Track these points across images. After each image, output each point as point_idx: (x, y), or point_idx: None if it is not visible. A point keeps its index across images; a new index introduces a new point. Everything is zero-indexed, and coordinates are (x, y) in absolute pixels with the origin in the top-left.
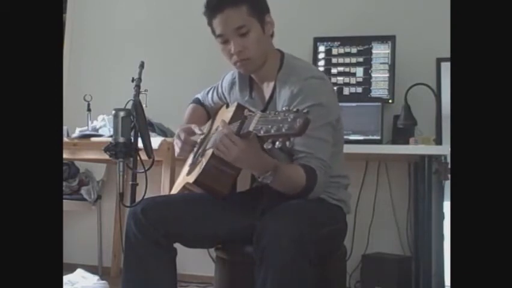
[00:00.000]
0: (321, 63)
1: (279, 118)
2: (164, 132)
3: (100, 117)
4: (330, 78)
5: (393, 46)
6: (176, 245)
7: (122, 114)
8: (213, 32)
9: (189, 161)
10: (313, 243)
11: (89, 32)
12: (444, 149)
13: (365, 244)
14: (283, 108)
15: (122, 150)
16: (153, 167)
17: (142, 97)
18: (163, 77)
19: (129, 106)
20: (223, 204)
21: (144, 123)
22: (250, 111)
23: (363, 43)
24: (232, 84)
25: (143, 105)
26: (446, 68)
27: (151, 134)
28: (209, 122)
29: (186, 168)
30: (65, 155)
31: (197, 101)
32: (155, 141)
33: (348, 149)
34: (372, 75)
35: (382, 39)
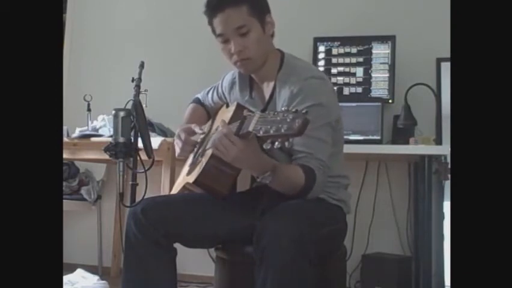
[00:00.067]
0: (321, 63)
1: (278, 118)
2: (164, 132)
3: (100, 117)
4: (330, 78)
5: (393, 46)
6: (176, 245)
7: (122, 114)
8: (213, 31)
9: (189, 161)
10: (314, 243)
11: (89, 32)
12: (444, 149)
13: (365, 244)
14: (283, 109)
15: (122, 150)
16: (153, 167)
17: (142, 97)
18: (163, 77)
19: (129, 106)
20: (223, 204)
21: (144, 123)
22: (249, 111)
23: (363, 43)
24: (232, 84)
25: (143, 105)
26: (446, 68)
27: (151, 134)
28: (209, 122)
29: (186, 168)
30: (65, 155)
31: (197, 101)
32: (155, 141)
33: (348, 149)
34: (372, 75)
35: (382, 39)
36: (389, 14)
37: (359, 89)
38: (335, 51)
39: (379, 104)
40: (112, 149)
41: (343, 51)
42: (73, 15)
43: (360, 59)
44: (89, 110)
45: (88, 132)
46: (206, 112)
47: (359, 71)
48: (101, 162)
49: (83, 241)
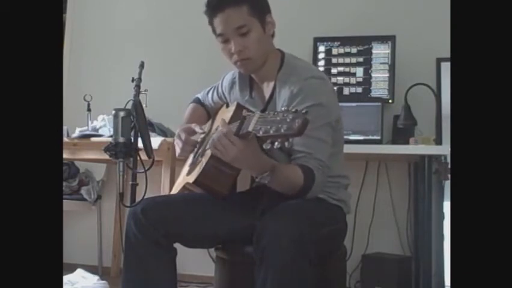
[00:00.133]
0: (321, 63)
1: (278, 118)
2: (164, 132)
3: (100, 117)
4: (330, 78)
5: (393, 46)
6: (176, 245)
7: (122, 114)
8: (214, 31)
9: (189, 161)
10: (314, 243)
11: (89, 32)
12: (444, 149)
13: (365, 244)
14: (283, 109)
15: (122, 150)
16: (153, 167)
17: (142, 97)
18: (163, 77)
19: (129, 106)
20: (223, 204)
21: (144, 123)
22: (249, 111)
23: (363, 43)
24: (232, 84)
25: (143, 105)
26: (446, 68)
27: (151, 134)
28: (209, 122)
29: (186, 168)
30: (65, 155)
31: (197, 101)
32: (155, 141)
33: (348, 149)
34: (372, 75)
35: (382, 39)
36: (389, 14)
37: (359, 89)
38: (335, 51)
39: (379, 104)
40: (112, 149)
41: (343, 51)
42: (73, 15)
43: (360, 59)
44: (89, 110)
45: (88, 132)
46: (206, 112)
47: (359, 71)
48: (101, 162)
49: (83, 241)
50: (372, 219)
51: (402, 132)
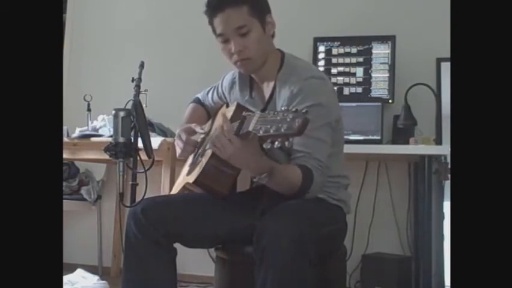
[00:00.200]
0: (321, 63)
1: (278, 118)
2: (164, 132)
3: (100, 117)
4: (330, 78)
5: (393, 46)
6: (176, 245)
7: (122, 114)
8: (214, 31)
9: (189, 161)
10: (313, 243)
11: (89, 32)
12: (444, 149)
13: (365, 244)
14: (283, 108)
15: (122, 150)
16: (153, 167)
17: (142, 97)
18: (163, 77)
19: (129, 106)
20: (223, 204)
21: (144, 123)
22: (249, 111)
23: (363, 43)
24: (232, 84)
25: (143, 105)
26: (446, 68)
27: (151, 134)
28: (209, 122)
29: (186, 168)
30: (65, 155)
31: (197, 101)
32: (155, 141)
33: (348, 149)
34: (372, 75)
35: (382, 39)
36: (389, 14)
37: (359, 89)
38: (335, 51)
39: (379, 104)
40: (112, 149)
41: (343, 51)
42: (73, 15)
43: (360, 59)
44: (89, 110)
45: (88, 132)
46: (206, 112)
47: (359, 71)
48: (101, 162)
49: (83, 241)
50: (372, 219)
51: (402, 132)
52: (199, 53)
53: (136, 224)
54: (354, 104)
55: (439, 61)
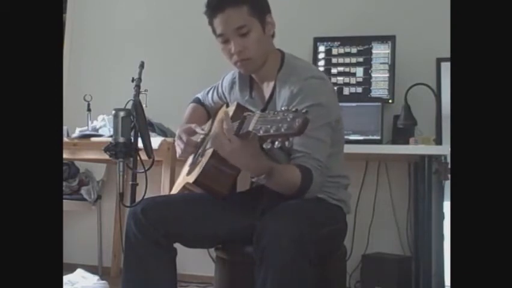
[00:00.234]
0: (321, 63)
1: (278, 118)
2: (164, 132)
3: (100, 117)
4: (330, 78)
5: (393, 46)
6: (176, 245)
7: (122, 114)
8: (214, 31)
9: (189, 161)
10: (313, 243)
11: (89, 32)
12: (444, 149)
13: (365, 244)
14: (283, 108)
15: (122, 150)
16: (153, 167)
17: (142, 97)
18: (163, 77)
19: (129, 106)
20: (223, 204)
21: (144, 123)
22: (249, 111)
23: (363, 43)
24: (232, 84)
25: (143, 105)
26: (446, 68)
27: (151, 134)
28: (209, 122)
29: (186, 168)
30: (65, 155)
31: (197, 101)
32: (155, 141)
33: (348, 149)
34: (372, 75)
35: (382, 39)
36: (389, 14)
37: (359, 89)
38: (335, 51)
39: (379, 104)
40: (112, 149)
41: (343, 51)
42: (73, 15)
43: (360, 59)
44: (89, 110)
45: (88, 132)
46: (206, 112)
47: (359, 71)
48: (101, 162)
49: (83, 241)
50: (372, 219)
51: (402, 132)
52: (199, 53)
53: (136, 224)
54: (354, 104)
55: (439, 61)
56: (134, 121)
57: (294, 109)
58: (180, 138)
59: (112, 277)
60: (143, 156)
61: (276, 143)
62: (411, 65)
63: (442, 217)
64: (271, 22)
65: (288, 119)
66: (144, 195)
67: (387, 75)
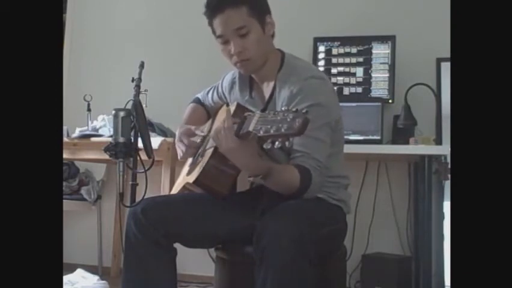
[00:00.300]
0: (321, 63)
1: (279, 118)
2: (164, 132)
3: (100, 117)
4: (330, 78)
5: (393, 46)
6: (176, 245)
7: (122, 114)
8: (213, 32)
9: (189, 160)
10: (313, 243)
11: (89, 32)
12: (444, 149)
13: (365, 244)
14: (283, 108)
15: (122, 150)
16: (153, 167)
17: (142, 97)
18: (163, 77)
19: (129, 106)
20: (223, 204)
21: (144, 123)
22: (249, 111)
23: (363, 43)
24: (232, 84)
25: (143, 105)
26: (446, 68)
27: (151, 134)
28: (209, 122)
29: (186, 168)
30: (65, 155)
31: (197, 101)
32: (155, 141)
33: (348, 149)
34: (372, 75)
35: (382, 39)
36: (389, 14)
37: (359, 89)
38: (335, 51)
39: (379, 104)
40: (112, 149)
41: (343, 51)
42: (73, 15)
43: (360, 59)
44: (89, 110)
45: (88, 132)
46: (206, 112)
47: (359, 71)
48: (101, 162)
49: (83, 241)
50: (372, 219)
51: (402, 132)
52: (199, 53)
53: (136, 224)
54: (354, 104)
55: (439, 61)
56: (134, 121)
57: (294, 109)
58: (181, 140)
59: (112, 277)
60: (143, 156)
61: (277, 143)
62: (411, 65)
63: (442, 217)
64: (270, 22)
65: (288, 119)
66: (144, 195)
67: (387, 75)
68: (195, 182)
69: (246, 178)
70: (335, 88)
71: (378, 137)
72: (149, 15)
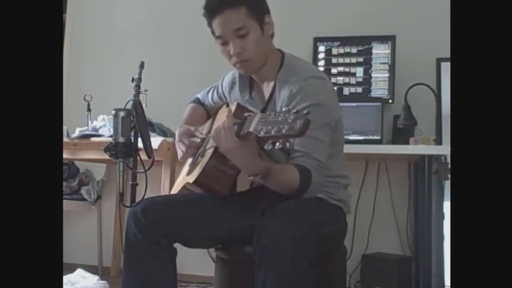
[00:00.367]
0: (321, 63)
1: (280, 119)
2: (164, 132)
3: (100, 117)
4: (330, 78)
5: (393, 46)
6: (176, 245)
7: (122, 114)
8: (213, 33)
9: (189, 160)
10: (313, 243)
11: (89, 32)
12: (444, 149)
13: (365, 244)
14: (284, 109)
15: (122, 150)
16: (153, 167)
17: (142, 97)
18: (163, 77)
19: (129, 106)
20: (223, 204)
21: (144, 123)
22: (249, 111)
23: (363, 43)
24: (232, 84)
25: (143, 105)
26: (446, 68)
27: (151, 134)
28: (209, 122)
29: (186, 168)
30: (65, 155)
31: (197, 101)
32: (155, 141)
33: (348, 149)
34: (372, 75)
35: (382, 39)
36: (389, 14)
37: (359, 89)
38: (335, 51)
39: (379, 104)
40: (112, 149)
41: (343, 51)
42: (73, 15)
43: (360, 59)
44: (89, 110)
45: (88, 132)
46: (206, 112)
47: (359, 71)
48: (101, 162)
49: (83, 241)
50: (372, 219)
51: (402, 132)
52: (199, 53)
53: (136, 224)
54: (354, 104)
55: (439, 61)
56: (134, 121)
57: (295, 110)
58: (181, 140)
59: (112, 277)
60: (143, 156)
61: (277, 144)
62: (411, 65)
63: (442, 217)
64: (269, 22)
65: (289, 120)
66: (144, 195)
67: (387, 75)
68: (195, 182)
69: (246, 178)
70: (335, 88)
71: (378, 137)
72: (149, 15)
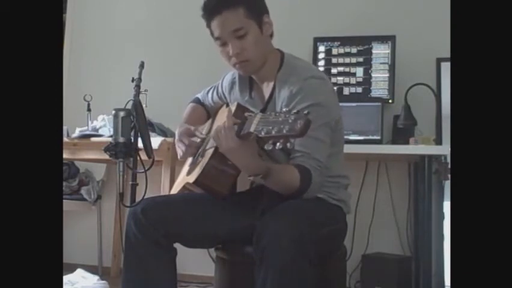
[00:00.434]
0: (321, 63)
1: (280, 119)
2: (164, 132)
3: (100, 117)
4: (330, 78)
5: (393, 46)
6: (176, 245)
7: (122, 114)
8: (212, 34)
9: (189, 161)
10: (313, 243)
11: (89, 32)
12: (444, 149)
13: (365, 244)
14: (284, 109)
15: (122, 150)
16: (153, 167)
17: (142, 97)
18: (163, 77)
19: (129, 106)
20: (223, 204)
21: (144, 123)
22: (249, 111)
23: (363, 43)
24: (232, 84)
25: (143, 105)
26: (446, 68)
27: (151, 134)
28: (209, 122)
29: (186, 168)
30: (65, 155)
31: (197, 101)
32: (155, 141)
33: (348, 149)
34: (372, 75)
35: (382, 39)
36: (389, 14)
37: (359, 89)
38: (335, 51)
39: (379, 104)
40: (112, 149)
41: (343, 51)
42: (73, 15)
43: (360, 59)
44: (89, 110)
45: (88, 132)
46: (206, 112)
47: (359, 71)
48: (101, 162)
49: (83, 241)
50: (372, 219)
51: (402, 132)
52: (199, 53)
53: (136, 224)
54: (354, 104)
55: (439, 61)
56: (134, 121)
57: (295, 110)
58: (181, 140)
59: (112, 277)
60: (143, 156)
61: (278, 144)
62: (411, 65)
63: (442, 217)
64: (268, 22)
65: (290, 121)
66: (144, 195)
67: (387, 75)
68: (195, 182)
69: (246, 178)
70: (335, 88)
71: (378, 137)
72: (149, 15)
